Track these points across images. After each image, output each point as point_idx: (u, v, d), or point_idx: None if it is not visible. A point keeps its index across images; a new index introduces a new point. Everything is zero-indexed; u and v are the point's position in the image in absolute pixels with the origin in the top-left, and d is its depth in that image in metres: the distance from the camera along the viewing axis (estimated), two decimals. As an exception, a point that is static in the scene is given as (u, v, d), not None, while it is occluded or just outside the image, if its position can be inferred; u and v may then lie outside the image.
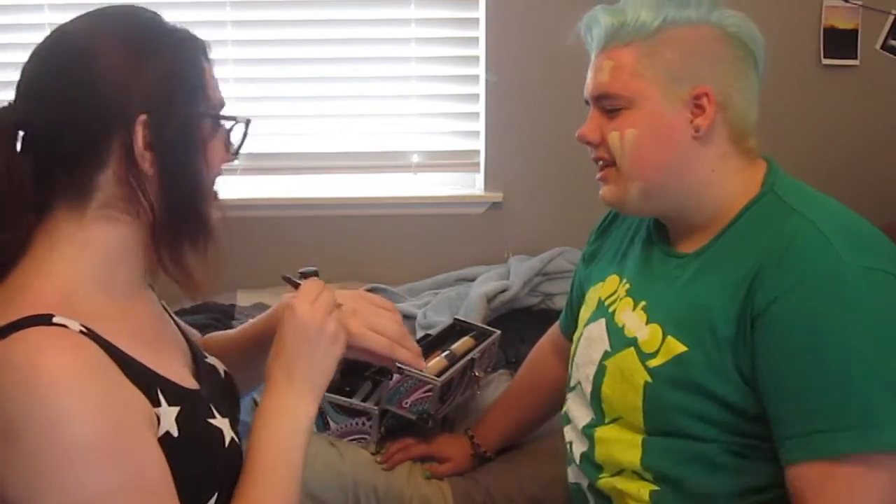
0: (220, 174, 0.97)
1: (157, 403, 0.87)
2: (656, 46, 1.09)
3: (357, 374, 1.58)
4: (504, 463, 1.56)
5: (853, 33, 2.44)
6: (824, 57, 2.45)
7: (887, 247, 1.05)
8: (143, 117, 0.86)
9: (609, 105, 1.11)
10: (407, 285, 2.40)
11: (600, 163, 1.15)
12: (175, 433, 0.88)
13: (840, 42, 2.45)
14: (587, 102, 1.17)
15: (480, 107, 2.51)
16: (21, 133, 0.87)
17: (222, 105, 0.96)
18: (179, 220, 0.91)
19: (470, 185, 2.63)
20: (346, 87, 2.52)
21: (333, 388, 1.58)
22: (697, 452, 1.08)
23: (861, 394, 0.96)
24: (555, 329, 1.54)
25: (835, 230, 1.02)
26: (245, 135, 0.98)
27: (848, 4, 2.43)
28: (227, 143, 0.97)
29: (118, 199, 0.88)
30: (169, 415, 0.88)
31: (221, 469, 0.94)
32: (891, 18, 2.44)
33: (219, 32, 2.45)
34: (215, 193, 0.96)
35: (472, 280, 2.35)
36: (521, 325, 2.12)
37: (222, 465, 0.94)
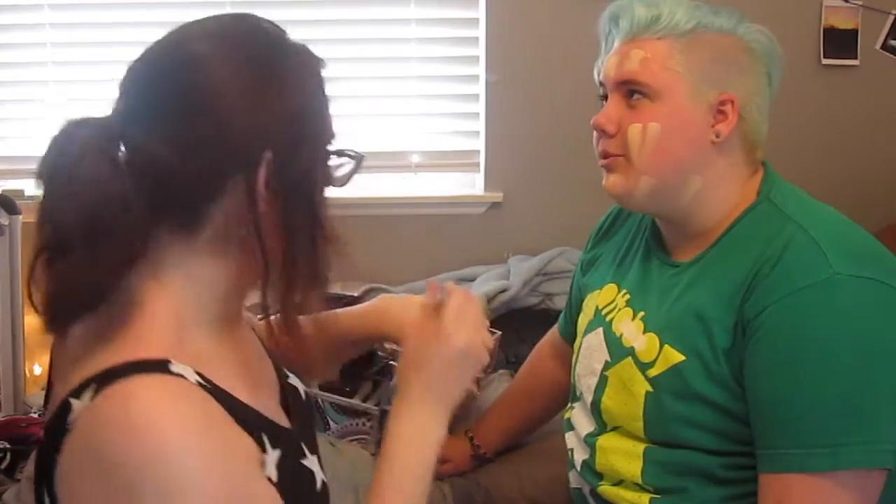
0: None
1: (264, 449, 0.84)
2: (689, 45, 1.08)
3: (357, 374, 1.58)
4: (504, 463, 1.56)
5: (853, 33, 2.44)
6: (824, 57, 2.45)
7: (881, 255, 1.04)
8: (268, 156, 0.81)
9: (634, 94, 1.09)
10: (407, 285, 2.40)
11: (608, 155, 1.13)
12: (275, 478, 0.84)
13: (840, 42, 2.45)
14: (601, 85, 1.15)
15: (480, 107, 2.50)
16: (126, 150, 0.79)
17: (343, 151, 0.91)
18: (294, 265, 0.84)
19: (470, 185, 2.62)
20: (346, 87, 2.52)
21: (334, 388, 1.59)
22: (698, 465, 1.07)
23: (838, 411, 0.96)
24: (554, 331, 1.54)
25: (828, 239, 1.01)
26: (354, 171, 0.92)
27: (848, 4, 2.43)
28: (331, 177, 0.91)
29: (228, 235, 0.82)
30: (272, 460, 0.84)
31: None
32: (891, 18, 2.43)
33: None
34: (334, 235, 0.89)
35: (472, 280, 2.34)
36: (521, 325, 2.12)
37: None
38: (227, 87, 0.79)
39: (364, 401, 1.57)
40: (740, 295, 1.03)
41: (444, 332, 0.95)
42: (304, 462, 0.91)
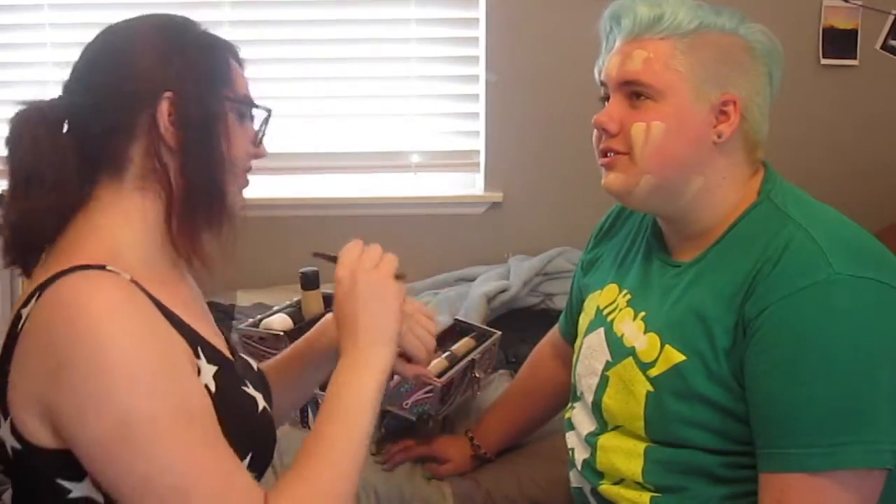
0: (248, 167, 1.01)
1: (197, 356, 0.92)
2: (692, 46, 1.08)
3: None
4: (504, 464, 1.56)
5: (853, 33, 2.45)
6: (823, 57, 2.45)
7: (882, 256, 1.04)
8: (168, 94, 0.92)
9: (637, 94, 1.09)
10: (407, 285, 2.40)
11: (609, 153, 1.12)
12: (213, 389, 0.91)
13: (840, 42, 2.45)
14: (602, 85, 1.15)
15: (480, 107, 2.51)
16: (67, 120, 0.94)
17: (250, 102, 1.00)
18: (196, 197, 0.94)
19: (470, 185, 2.63)
20: (346, 87, 2.52)
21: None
22: (698, 464, 1.07)
23: (837, 411, 0.96)
24: (554, 332, 1.53)
25: (828, 239, 1.01)
26: (265, 122, 1.01)
27: (848, 4, 2.43)
28: (254, 137, 1.01)
29: (150, 172, 0.93)
30: (208, 371, 0.92)
31: (255, 433, 0.98)
32: (891, 18, 2.44)
33: (218, 32, 2.45)
34: (242, 186, 1.00)
35: (472, 280, 2.34)
36: (521, 325, 2.12)
37: (256, 429, 0.98)
38: (137, 42, 0.94)
39: (364, 401, 1.57)
40: (741, 295, 1.03)
41: (338, 281, 1.02)
42: (246, 389, 0.99)
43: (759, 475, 1.01)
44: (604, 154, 1.13)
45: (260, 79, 2.59)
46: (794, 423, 0.98)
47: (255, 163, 1.03)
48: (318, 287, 1.72)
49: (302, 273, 1.71)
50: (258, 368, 1.12)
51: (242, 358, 1.09)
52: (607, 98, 1.14)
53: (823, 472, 0.96)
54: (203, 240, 0.96)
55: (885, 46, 2.46)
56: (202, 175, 0.94)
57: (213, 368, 0.93)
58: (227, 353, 1.01)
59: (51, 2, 2.39)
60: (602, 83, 1.15)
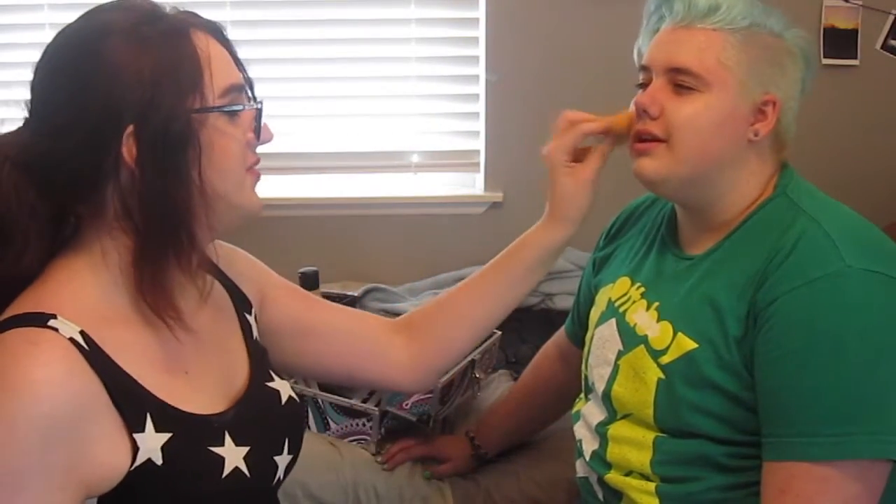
0: (253, 162, 0.94)
1: (138, 428, 0.86)
2: (743, 42, 1.09)
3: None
4: (504, 464, 1.56)
5: (853, 33, 2.44)
6: (824, 57, 2.45)
7: (892, 251, 1.06)
8: (129, 129, 0.84)
9: (683, 82, 1.09)
10: (407, 285, 2.40)
11: (646, 136, 1.11)
12: (159, 461, 0.86)
13: (840, 42, 2.45)
14: (642, 69, 1.15)
15: (480, 107, 2.50)
16: (33, 161, 0.88)
17: (239, 85, 0.93)
18: (163, 238, 0.88)
19: (470, 185, 2.62)
20: (346, 87, 2.52)
21: (334, 388, 1.59)
22: (705, 454, 1.08)
23: (844, 402, 0.97)
24: (560, 333, 1.53)
25: (841, 232, 1.03)
26: (259, 118, 0.94)
27: (848, 4, 2.42)
28: (254, 128, 0.94)
29: (126, 210, 0.87)
30: (153, 441, 0.86)
31: (212, 499, 0.92)
32: (891, 18, 2.43)
33: (219, 32, 2.45)
34: (253, 182, 0.94)
35: (472, 280, 2.34)
36: (521, 325, 2.12)
37: (214, 495, 0.92)
38: (86, 69, 0.88)
39: (364, 401, 1.57)
40: (753, 285, 1.04)
41: None
42: (215, 449, 0.92)
43: (763, 464, 1.02)
44: (639, 138, 1.12)
45: (260, 79, 2.58)
46: (801, 412, 0.98)
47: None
48: (318, 287, 1.72)
49: (302, 273, 1.71)
50: (289, 398, 1.05)
51: (265, 391, 1.02)
52: (646, 83, 1.13)
53: (828, 461, 0.97)
54: (173, 292, 0.89)
55: (885, 46, 2.46)
56: (167, 214, 0.87)
57: (164, 437, 0.87)
58: (209, 408, 0.94)
59: (51, 2, 2.39)
60: (643, 67, 1.15)
